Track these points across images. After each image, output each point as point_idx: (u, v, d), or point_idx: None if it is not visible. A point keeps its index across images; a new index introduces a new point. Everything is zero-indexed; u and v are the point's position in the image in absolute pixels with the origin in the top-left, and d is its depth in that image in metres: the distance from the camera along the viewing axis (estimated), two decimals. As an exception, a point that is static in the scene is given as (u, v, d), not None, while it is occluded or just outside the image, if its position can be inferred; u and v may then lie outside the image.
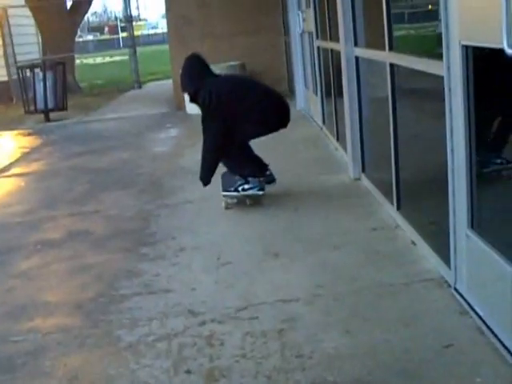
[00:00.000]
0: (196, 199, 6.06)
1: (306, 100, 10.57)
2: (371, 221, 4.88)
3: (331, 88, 7.49)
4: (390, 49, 4.51)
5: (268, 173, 5.69)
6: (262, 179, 5.62)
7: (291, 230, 4.91)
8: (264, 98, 5.51)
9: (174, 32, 12.53)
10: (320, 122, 8.79)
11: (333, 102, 7.48)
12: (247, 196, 5.62)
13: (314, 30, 8.52)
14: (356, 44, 5.75)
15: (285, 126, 5.58)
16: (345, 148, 6.54)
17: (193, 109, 11.70)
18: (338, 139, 7.36)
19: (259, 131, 5.54)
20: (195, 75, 5.51)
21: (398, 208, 4.72)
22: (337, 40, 6.35)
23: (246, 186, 5.57)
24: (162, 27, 58.63)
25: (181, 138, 9.85)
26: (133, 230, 5.42)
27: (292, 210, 5.39)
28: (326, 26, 7.52)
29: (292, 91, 11.70)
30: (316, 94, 9.01)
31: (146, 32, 71.97)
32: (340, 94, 6.42)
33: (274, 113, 5.50)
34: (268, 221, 5.20)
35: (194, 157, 8.00)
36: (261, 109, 5.42)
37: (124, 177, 7.43)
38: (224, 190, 5.64)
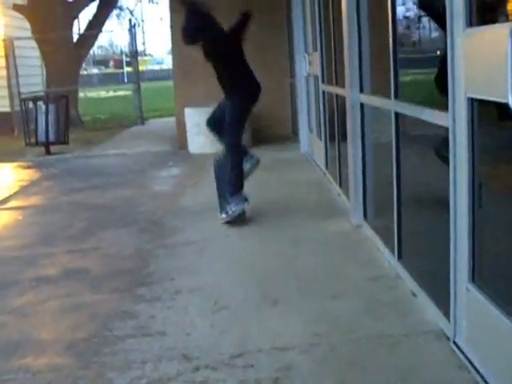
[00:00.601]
0: (196, 240, 6.07)
1: (309, 143, 10.64)
2: (372, 269, 4.89)
3: (335, 133, 7.54)
4: (396, 97, 4.56)
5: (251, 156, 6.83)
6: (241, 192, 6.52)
7: (290, 275, 4.92)
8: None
9: (179, 69, 12.64)
10: (323, 167, 8.84)
11: (336, 147, 7.54)
12: (239, 215, 6.48)
13: (319, 74, 8.62)
14: (362, 90, 5.81)
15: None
16: (347, 194, 6.57)
17: (195, 148, 11.83)
18: (340, 185, 7.40)
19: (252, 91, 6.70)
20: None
21: (399, 257, 4.74)
22: (342, 85, 6.42)
23: (233, 208, 6.46)
24: (168, 63, 59.06)
25: (182, 177, 9.89)
26: (131, 269, 5.42)
27: (291, 255, 5.41)
28: (332, 70, 7.61)
29: (296, 133, 11.78)
30: (320, 139, 9.07)
31: (151, 67, 72.43)
32: (344, 138, 6.47)
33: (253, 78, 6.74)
34: (267, 265, 5.21)
35: (196, 197, 8.07)
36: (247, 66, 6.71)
37: (125, 215, 7.45)
38: (220, 214, 6.57)
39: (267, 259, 5.37)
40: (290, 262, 5.23)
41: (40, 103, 13.52)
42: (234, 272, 5.13)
